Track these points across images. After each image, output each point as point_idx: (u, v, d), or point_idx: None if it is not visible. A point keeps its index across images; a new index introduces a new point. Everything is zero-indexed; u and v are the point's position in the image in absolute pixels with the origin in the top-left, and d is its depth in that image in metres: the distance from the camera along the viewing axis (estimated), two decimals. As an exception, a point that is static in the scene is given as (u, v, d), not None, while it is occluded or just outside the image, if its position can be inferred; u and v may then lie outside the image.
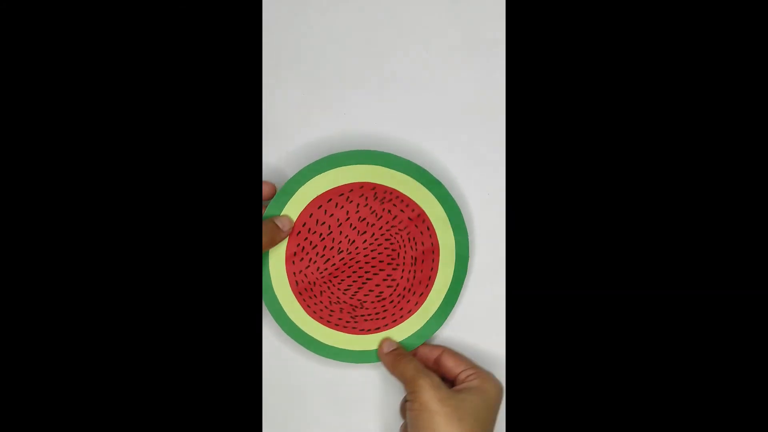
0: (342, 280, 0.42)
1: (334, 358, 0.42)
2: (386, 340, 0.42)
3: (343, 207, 0.42)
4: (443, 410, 0.36)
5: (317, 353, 0.42)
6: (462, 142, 0.45)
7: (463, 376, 0.40)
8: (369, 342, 0.42)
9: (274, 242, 0.40)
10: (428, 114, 0.46)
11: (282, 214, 0.41)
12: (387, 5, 0.47)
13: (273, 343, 0.45)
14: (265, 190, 0.41)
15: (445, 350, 0.42)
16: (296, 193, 0.41)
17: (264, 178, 0.45)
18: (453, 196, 0.42)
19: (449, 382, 0.41)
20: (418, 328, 0.43)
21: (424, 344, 0.43)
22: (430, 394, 0.36)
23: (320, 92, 0.46)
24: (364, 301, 0.42)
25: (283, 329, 0.42)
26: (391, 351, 0.41)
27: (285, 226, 0.41)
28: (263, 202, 0.42)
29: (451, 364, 0.41)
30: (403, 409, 0.41)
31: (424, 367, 0.39)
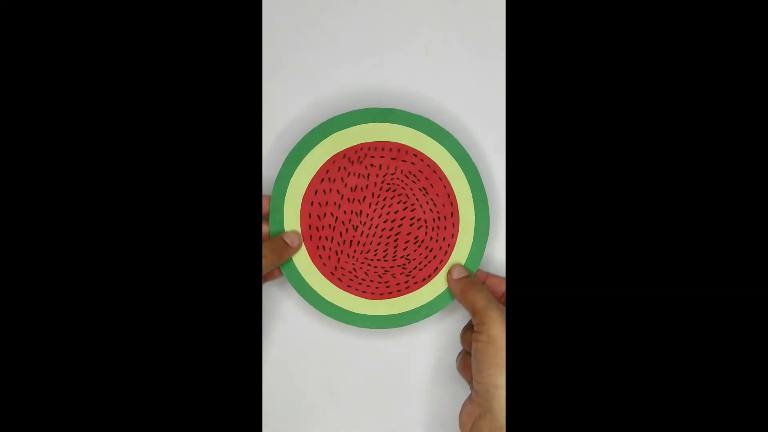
0: (368, 250, 0.42)
1: (365, 325, 0.42)
2: (456, 265, 0.40)
3: (331, 190, 0.42)
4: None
5: (348, 322, 0.42)
6: (462, 141, 0.45)
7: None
8: (393, 305, 0.42)
9: (283, 259, 0.40)
10: (428, 114, 0.46)
11: (286, 230, 0.41)
12: (387, 5, 0.47)
13: (273, 343, 0.45)
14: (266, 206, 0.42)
15: (489, 275, 0.41)
16: (293, 176, 0.42)
17: (264, 178, 0.45)
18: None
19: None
20: (466, 256, 0.41)
21: (493, 275, 0.42)
22: (500, 327, 0.35)
23: (320, 92, 0.46)
24: (392, 266, 0.42)
25: (313, 305, 0.42)
26: (461, 278, 0.40)
27: (294, 242, 0.41)
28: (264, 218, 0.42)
29: (495, 281, 0.40)
30: (466, 338, 0.40)
31: (494, 299, 0.37)
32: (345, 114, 0.42)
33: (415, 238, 0.42)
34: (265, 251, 0.39)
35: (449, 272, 0.41)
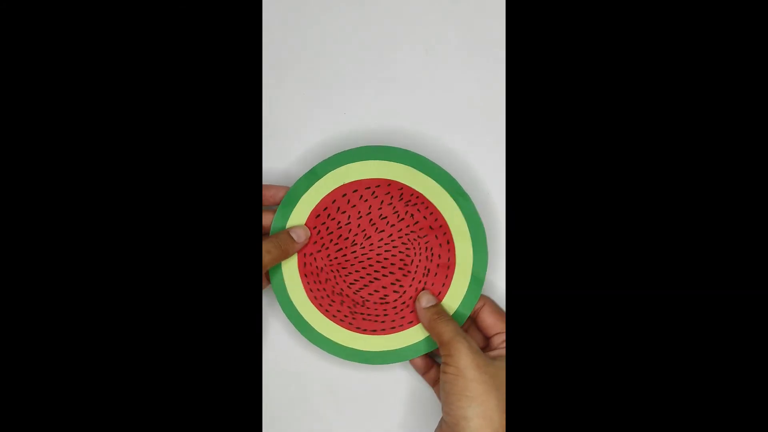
0: (350, 273, 0.41)
1: (321, 346, 0.41)
2: (425, 293, 0.40)
3: (366, 201, 0.41)
4: (481, 377, 0.34)
5: (306, 337, 0.41)
6: (462, 142, 0.45)
7: (497, 340, 0.38)
8: (360, 341, 0.41)
9: (288, 254, 0.40)
10: (428, 114, 0.46)
11: (306, 196, 0.40)
12: (387, 5, 0.47)
13: (273, 343, 0.45)
14: (280, 195, 0.41)
15: (487, 303, 0.40)
16: (325, 176, 0.41)
17: (264, 178, 0.45)
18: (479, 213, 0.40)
19: (484, 339, 0.40)
20: (414, 342, 0.41)
21: (489, 306, 0.40)
22: (468, 360, 0.35)
23: (320, 92, 0.46)
24: (367, 300, 0.41)
25: (280, 305, 0.41)
26: (429, 307, 0.39)
27: (300, 238, 0.40)
28: (274, 207, 0.42)
29: (489, 322, 0.39)
30: (429, 376, 0.40)
31: (461, 329, 0.37)
32: (429, 161, 0.41)
33: (385, 295, 0.41)
34: (269, 246, 0.38)
35: (418, 300, 0.40)
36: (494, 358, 0.36)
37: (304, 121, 0.46)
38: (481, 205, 0.45)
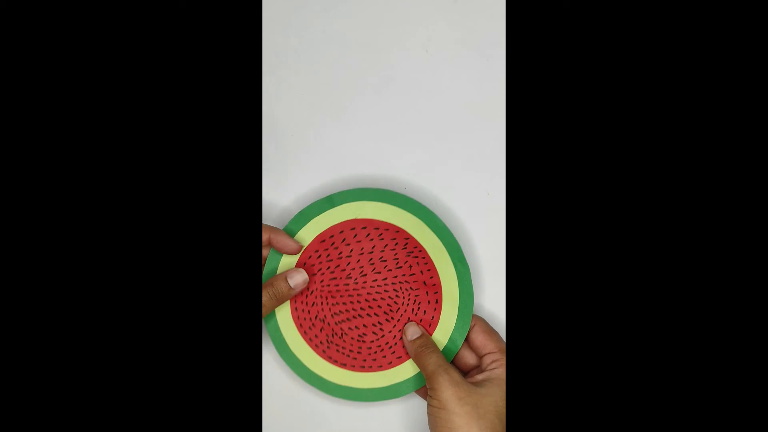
0: (336, 303, 0.42)
1: (286, 361, 0.42)
2: (411, 325, 0.40)
3: (372, 240, 0.42)
4: (462, 410, 0.35)
5: (276, 347, 0.42)
6: (462, 142, 0.45)
7: (487, 360, 0.39)
8: (327, 370, 0.42)
9: (283, 302, 0.40)
10: (428, 114, 0.46)
11: (318, 219, 0.41)
12: (387, 5, 0.47)
13: (273, 346, 0.45)
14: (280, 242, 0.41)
15: (479, 323, 0.41)
16: (341, 206, 0.42)
17: (264, 178, 0.45)
18: (471, 281, 0.41)
19: (476, 359, 0.40)
20: (382, 386, 0.41)
21: (480, 326, 0.41)
22: (449, 392, 0.36)
23: (320, 92, 0.46)
24: (345, 333, 0.42)
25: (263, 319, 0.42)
26: (414, 339, 0.40)
27: (297, 285, 0.40)
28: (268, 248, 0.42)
29: (479, 342, 0.40)
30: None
31: (444, 360, 0.38)
32: (385, 191, 0.42)
33: (363, 333, 0.41)
34: (264, 297, 0.39)
35: (405, 330, 0.40)
36: (481, 383, 0.37)
37: (304, 121, 0.46)
38: (481, 206, 0.45)
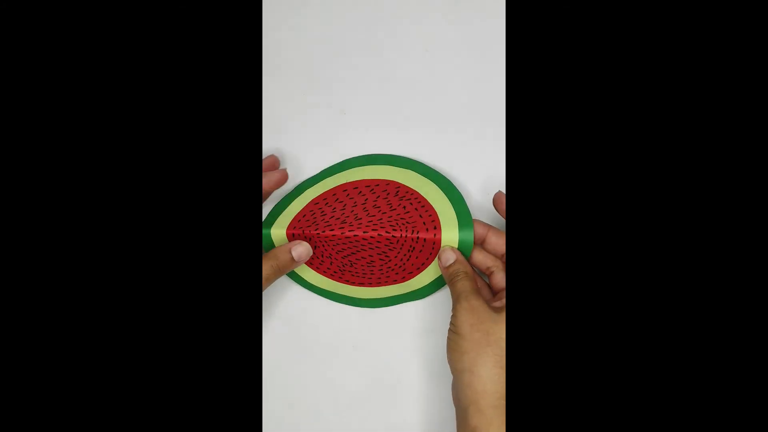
0: (336, 245, 0.42)
1: (314, 292, 0.45)
2: (444, 251, 0.42)
3: (363, 194, 0.43)
4: (472, 336, 0.37)
5: (301, 284, 0.45)
6: (462, 142, 0.45)
7: (497, 279, 0.41)
8: (348, 289, 0.44)
9: (281, 273, 0.41)
10: (428, 114, 0.46)
11: (310, 190, 0.44)
12: (387, 5, 0.47)
13: (273, 343, 0.45)
14: (280, 176, 0.43)
15: (491, 230, 0.42)
16: (332, 176, 0.44)
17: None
18: (470, 211, 0.42)
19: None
20: (403, 292, 0.44)
21: (493, 232, 0.42)
22: (463, 318, 0.38)
23: (320, 92, 0.46)
24: (354, 263, 0.43)
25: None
26: (447, 266, 0.41)
27: (301, 258, 0.42)
28: (276, 191, 0.44)
29: (493, 242, 0.42)
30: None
31: (471, 287, 0.39)
32: (374, 155, 0.45)
33: (372, 261, 0.43)
34: (266, 266, 0.40)
35: (438, 257, 0.42)
36: (498, 310, 0.38)
37: (304, 121, 0.46)
38: (480, 205, 0.45)
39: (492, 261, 0.42)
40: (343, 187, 0.43)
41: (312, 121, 0.46)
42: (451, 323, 0.38)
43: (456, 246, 0.42)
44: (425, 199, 0.42)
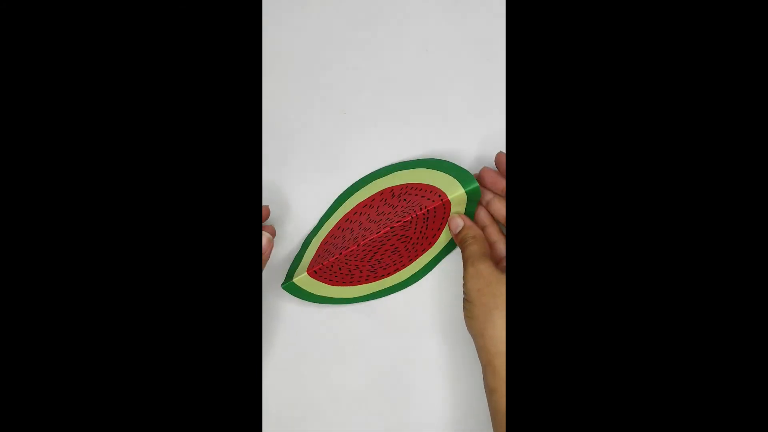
0: (357, 255, 0.43)
1: (364, 300, 0.45)
2: (454, 218, 0.42)
3: (364, 213, 0.44)
4: (480, 300, 0.37)
5: (347, 303, 0.45)
6: (462, 142, 0.45)
7: (500, 248, 0.42)
8: (358, 290, 0.45)
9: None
10: (428, 114, 0.46)
11: (315, 239, 0.45)
12: (387, 5, 0.47)
13: (273, 343, 0.45)
14: (266, 242, 0.42)
15: (496, 197, 0.43)
16: (331, 217, 0.45)
17: (264, 178, 0.45)
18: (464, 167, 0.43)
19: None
20: (435, 255, 0.45)
21: (494, 199, 0.43)
22: (471, 283, 0.38)
23: (320, 92, 0.46)
24: (381, 259, 0.44)
25: (308, 300, 0.44)
26: (457, 233, 0.42)
27: (266, 250, 0.41)
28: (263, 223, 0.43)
29: (495, 207, 0.43)
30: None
31: (480, 250, 0.40)
32: (409, 161, 0.45)
33: (395, 248, 0.43)
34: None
35: (448, 224, 0.43)
36: (504, 271, 0.39)
37: (304, 122, 0.46)
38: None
39: (493, 227, 0.43)
40: (345, 218, 0.44)
41: (312, 121, 0.46)
42: (463, 291, 0.39)
43: (465, 200, 0.42)
44: (420, 184, 0.43)
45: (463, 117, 0.46)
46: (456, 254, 0.46)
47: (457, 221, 0.42)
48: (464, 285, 0.39)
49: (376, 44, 0.46)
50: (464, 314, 0.39)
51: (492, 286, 0.37)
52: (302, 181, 0.46)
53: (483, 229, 0.43)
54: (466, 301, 0.38)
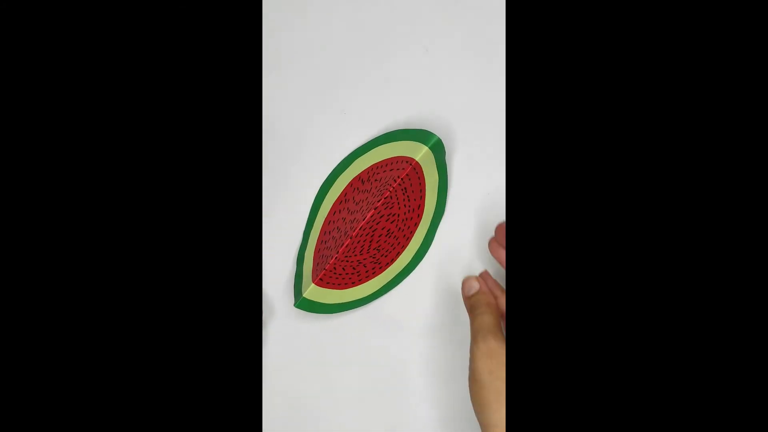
0: (354, 249, 0.43)
1: (380, 295, 0.45)
2: (468, 280, 0.39)
3: (342, 210, 0.44)
4: (493, 385, 0.34)
5: (367, 303, 0.45)
6: (462, 142, 0.45)
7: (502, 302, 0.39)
8: (399, 263, 0.45)
9: None
10: (428, 114, 0.46)
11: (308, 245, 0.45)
12: (387, 5, 0.47)
13: (273, 343, 0.45)
14: None
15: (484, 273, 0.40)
16: (313, 227, 0.45)
17: (264, 177, 0.45)
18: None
19: None
20: (430, 225, 0.45)
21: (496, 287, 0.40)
22: (481, 363, 0.34)
23: (320, 92, 0.46)
24: (379, 247, 0.43)
25: (317, 312, 0.44)
26: (469, 296, 0.38)
27: None
28: None
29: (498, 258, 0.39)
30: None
31: (492, 323, 0.36)
32: (363, 145, 0.45)
33: (388, 230, 0.43)
34: None
35: (462, 286, 0.39)
36: None
37: (304, 121, 0.46)
38: (480, 205, 0.45)
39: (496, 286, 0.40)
40: (327, 221, 0.45)
41: (312, 122, 0.46)
42: (470, 367, 0.35)
43: (432, 157, 0.42)
44: (384, 160, 0.43)
45: (463, 117, 0.46)
46: (455, 229, 0.45)
47: (472, 283, 0.38)
48: (472, 362, 0.35)
49: (376, 44, 0.46)
50: (471, 396, 0.34)
51: (502, 367, 0.34)
52: (302, 180, 0.46)
53: (496, 298, 0.39)
54: (475, 381, 0.34)
